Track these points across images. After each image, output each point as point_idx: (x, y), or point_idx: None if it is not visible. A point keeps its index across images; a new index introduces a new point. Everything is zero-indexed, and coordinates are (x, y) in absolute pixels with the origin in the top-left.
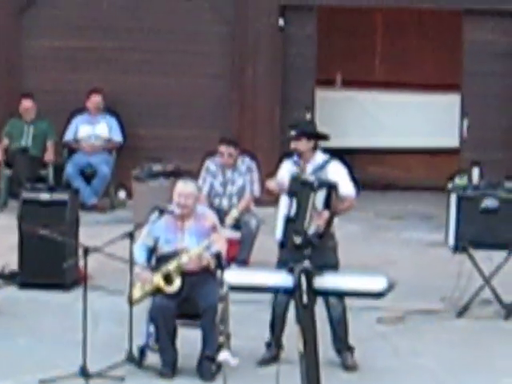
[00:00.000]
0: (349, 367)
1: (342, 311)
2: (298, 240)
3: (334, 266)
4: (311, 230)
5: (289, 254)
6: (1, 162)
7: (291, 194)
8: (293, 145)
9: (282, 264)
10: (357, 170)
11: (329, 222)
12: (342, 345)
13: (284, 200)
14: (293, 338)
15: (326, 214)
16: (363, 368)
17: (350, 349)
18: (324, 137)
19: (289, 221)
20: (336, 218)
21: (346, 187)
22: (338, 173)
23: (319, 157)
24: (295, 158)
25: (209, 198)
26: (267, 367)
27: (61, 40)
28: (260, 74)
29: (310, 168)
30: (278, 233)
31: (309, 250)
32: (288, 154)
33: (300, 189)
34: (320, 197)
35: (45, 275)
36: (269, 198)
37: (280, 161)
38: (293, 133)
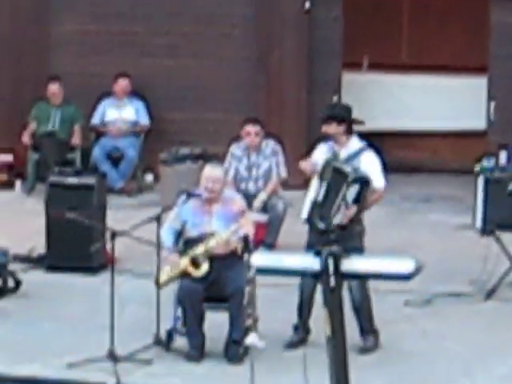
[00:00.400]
0: (365, 349)
1: (363, 295)
2: (321, 225)
3: (358, 251)
4: (336, 220)
5: (315, 237)
6: (28, 146)
7: (322, 178)
8: (323, 128)
9: (310, 247)
10: (384, 152)
11: (353, 217)
12: (365, 327)
13: (315, 182)
14: (320, 322)
15: (354, 209)
16: (390, 350)
17: (373, 332)
18: (356, 121)
19: (315, 204)
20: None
21: (377, 180)
22: (371, 164)
23: (354, 143)
24: (331, 142)
25: (235, 182)
26: (295, 350)
27: (88, 24)
28: (286, 58)
29: (344, 153)
30: (304, 213)
31: (334, 234)
32: (324, 137)
33: (332, 175)
34: (352, 191)
35: (72, 259)
36: (297, 181)
37: (314, 144)
38: (323, 115)
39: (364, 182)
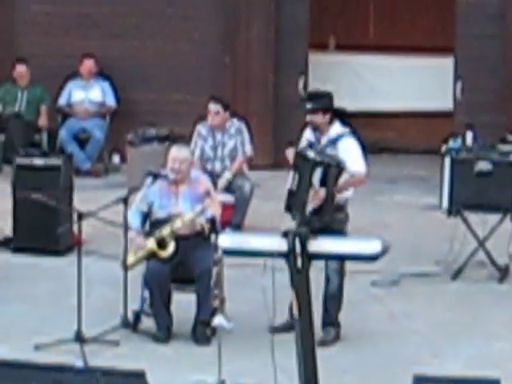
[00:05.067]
0: (324, 342)
1: (338, 286)
2: (295, 216)
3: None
4: (309, 208)
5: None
6: None
7: (294, 167)
8: (308, 117)
9: None
10: None
11: (326, 200)
12: (329, 318)
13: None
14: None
15: (322, 192)
16: (357, 331)
17: (336, 325)
18: (341, 112)
19: (290, 194)
20: (338, 194)
21: (355, 164)
22: (347, 150)
23: (334, 130)
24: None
25: (201, 162)
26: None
27: (54, 5)
28: (253, 38)
29: (324, 140)
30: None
31: (315, 224)
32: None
33: (301, 163)
34: (317, 174)
35: (39, 240)
36: (264, 161)
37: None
38: (309, 106)
39: (327, 165)
